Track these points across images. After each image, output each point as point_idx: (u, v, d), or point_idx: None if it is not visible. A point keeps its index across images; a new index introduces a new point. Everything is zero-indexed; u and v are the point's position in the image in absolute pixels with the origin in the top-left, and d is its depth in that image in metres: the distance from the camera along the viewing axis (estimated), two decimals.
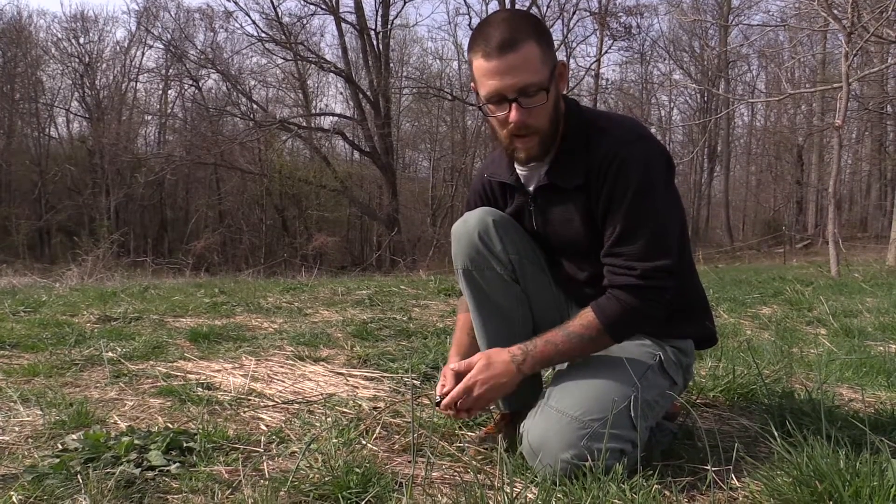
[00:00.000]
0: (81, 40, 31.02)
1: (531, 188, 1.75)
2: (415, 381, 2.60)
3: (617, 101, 30.32)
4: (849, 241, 18.47)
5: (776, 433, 1.54)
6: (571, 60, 26.11)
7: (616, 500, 1.35)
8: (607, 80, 30.12)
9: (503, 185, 1.82)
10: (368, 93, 24.81)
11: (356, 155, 28.62)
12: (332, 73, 26.71)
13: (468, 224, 1.75)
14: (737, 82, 31.70)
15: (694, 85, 28.16)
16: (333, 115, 28.49)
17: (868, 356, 2.97)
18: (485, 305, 1.77)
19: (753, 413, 2.12)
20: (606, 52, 28.30)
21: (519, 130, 1.59)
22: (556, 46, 1.76)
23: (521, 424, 1.65)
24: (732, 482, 1.53)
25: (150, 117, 32.41)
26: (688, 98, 34.23)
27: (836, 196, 10.36)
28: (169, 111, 31.97)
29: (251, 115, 25.39)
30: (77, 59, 30.97)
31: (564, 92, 1.69)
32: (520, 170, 1.76)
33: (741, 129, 35.83)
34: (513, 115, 1.56)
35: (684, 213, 1.79)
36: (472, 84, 1.66)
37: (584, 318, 1.62)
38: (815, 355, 3.08)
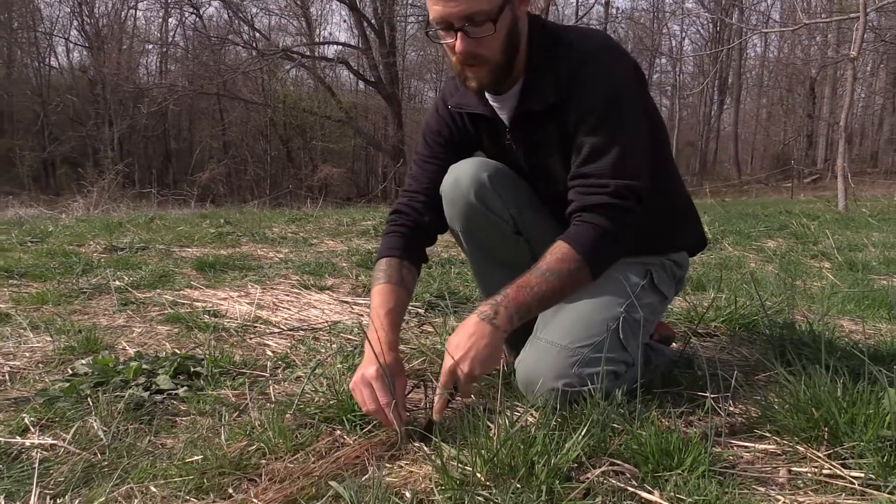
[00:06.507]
0: None
1: (505, 119, 1.63)
2: (419, 310, 2.62)
3: (627, 30, 29.55)
4: (858, 175, 18.32)
5: (776, 361, 1.55)
6: None
7: (615, 425, 1.37)
8: (617, 8, 29.31)
9: (474, 117, 1.68)
10: (373, 21, 24.23)
11: (361, 85, 28.21)
12: (335, 0, 26.07)
13: (461, 185, 1.63)
14: (751, 11, 30.73)
15: (707, 14, 27.41)
16: (337, 43, 27.86)
17: (871, 289, 2.98)
18: (487, 260, 1.75)
19: (754, 343, 2.14)
20: None
21: (467, 60, 1.48)
22: None
23: (515, 360, 1.60)
24: (730, 408, 1.56)
25: (150, 46, 31.79)
26: (700, 28, 33.41)
27: (848, 130, 10.20)
28: (170, 40, 31.32)
29: (254, 44, 24.89)
30: None
31: (530, 9, 1.55)
32: (491, 99, 1.62)
33: (753, 61, 35.04)
34: (458, 45, 1.45)
35: (664, 128, 1.70)
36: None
37: (557, 251, 1.48)
38: (819, 288, 3.09)
